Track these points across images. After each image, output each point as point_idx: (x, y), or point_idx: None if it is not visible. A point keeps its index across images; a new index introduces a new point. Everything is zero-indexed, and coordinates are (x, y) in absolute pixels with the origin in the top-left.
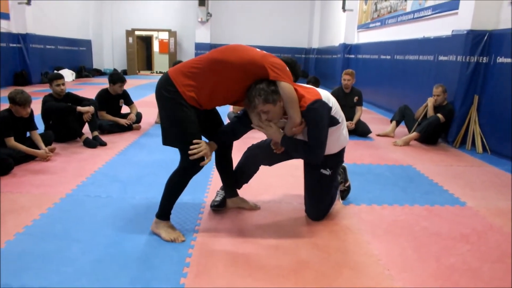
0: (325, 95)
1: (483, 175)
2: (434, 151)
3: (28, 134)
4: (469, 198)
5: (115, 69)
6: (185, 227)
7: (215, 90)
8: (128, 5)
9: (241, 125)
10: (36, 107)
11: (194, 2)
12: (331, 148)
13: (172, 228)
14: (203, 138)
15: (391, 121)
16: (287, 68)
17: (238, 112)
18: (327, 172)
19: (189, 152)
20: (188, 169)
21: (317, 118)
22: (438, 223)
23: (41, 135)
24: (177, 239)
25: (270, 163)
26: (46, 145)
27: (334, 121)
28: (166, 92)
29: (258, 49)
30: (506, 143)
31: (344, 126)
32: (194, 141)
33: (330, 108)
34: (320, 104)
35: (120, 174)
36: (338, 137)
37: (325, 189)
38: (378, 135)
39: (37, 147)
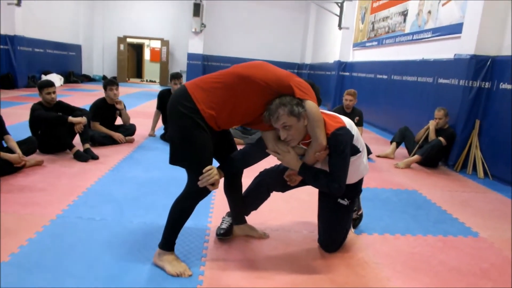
0: (348, 122)
1: (489, 203)
2: (436, 175)
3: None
4: (481, 228)
5: (104, 76)
6: (190, 258)
7: (235, 108)
8: (121, 11)
9: (253, 152)
10: (23, 113)
11: (189, 12)
12: (350, 177)
13: (177, 261)
14: (214, 161)
15: (391, 142)
16: (312, 89)
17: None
18: (344, 202)
19: (200, 178)
20: (196, 193)
21: (342, 145)
22: (455, 256)
23: (23, 141)
24: (183, 273)
25: (283, 189)
26: (30, 153)
27: (355, 150)
28: (183, 108)
29: (281, 69)
30: (507, 168)
31: (364, 155)
32: (206, 168)
33: (352, 136)
34: (345, 132)
35: (115, 192)
36: (358, 167)
37: (341, 220)
38: (378, 156)
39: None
